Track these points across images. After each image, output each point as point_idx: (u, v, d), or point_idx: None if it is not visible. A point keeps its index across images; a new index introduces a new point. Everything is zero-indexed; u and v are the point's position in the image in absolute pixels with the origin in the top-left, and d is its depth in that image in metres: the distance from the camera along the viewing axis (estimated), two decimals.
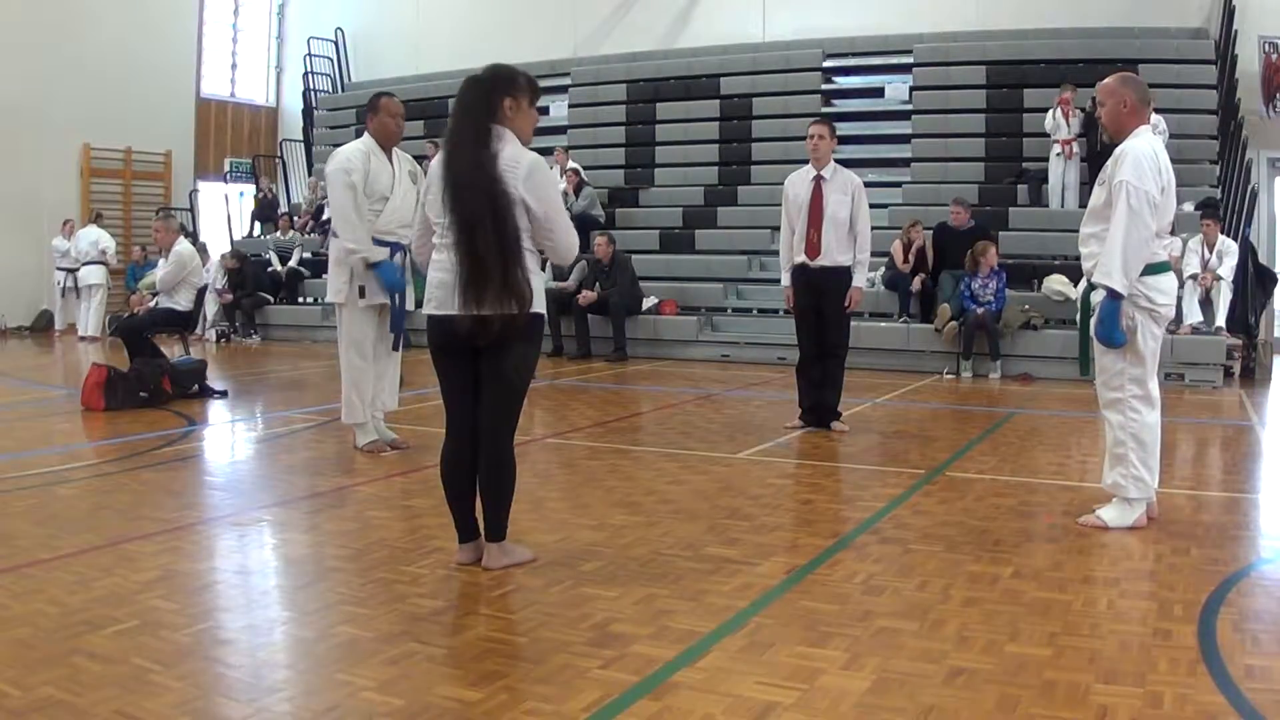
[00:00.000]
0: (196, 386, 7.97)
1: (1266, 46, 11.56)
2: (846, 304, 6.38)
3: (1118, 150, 4.07)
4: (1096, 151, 11.22)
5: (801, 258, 6.36)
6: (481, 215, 3.24)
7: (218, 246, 15.08)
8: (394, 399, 6.03)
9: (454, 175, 3.30)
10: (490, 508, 3.55)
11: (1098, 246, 4.05)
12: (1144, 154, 3.97)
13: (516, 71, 3.51)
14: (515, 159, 3.34)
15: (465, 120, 3.36)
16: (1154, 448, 4.17)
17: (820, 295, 6.37)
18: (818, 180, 6.35)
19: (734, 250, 12.51)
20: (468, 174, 3.27)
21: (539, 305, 3.40)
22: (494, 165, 3.28)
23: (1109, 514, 4.20)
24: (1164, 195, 4.01)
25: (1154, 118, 10.74)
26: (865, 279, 6.58)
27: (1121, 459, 4.15)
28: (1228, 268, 9.60)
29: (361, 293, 5.63)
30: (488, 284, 3.24)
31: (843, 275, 6.36)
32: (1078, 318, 4.45)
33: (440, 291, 3.44)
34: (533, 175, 3.34)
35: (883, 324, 10.46)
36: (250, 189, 17.37)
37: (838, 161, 6.59)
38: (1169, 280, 4.15)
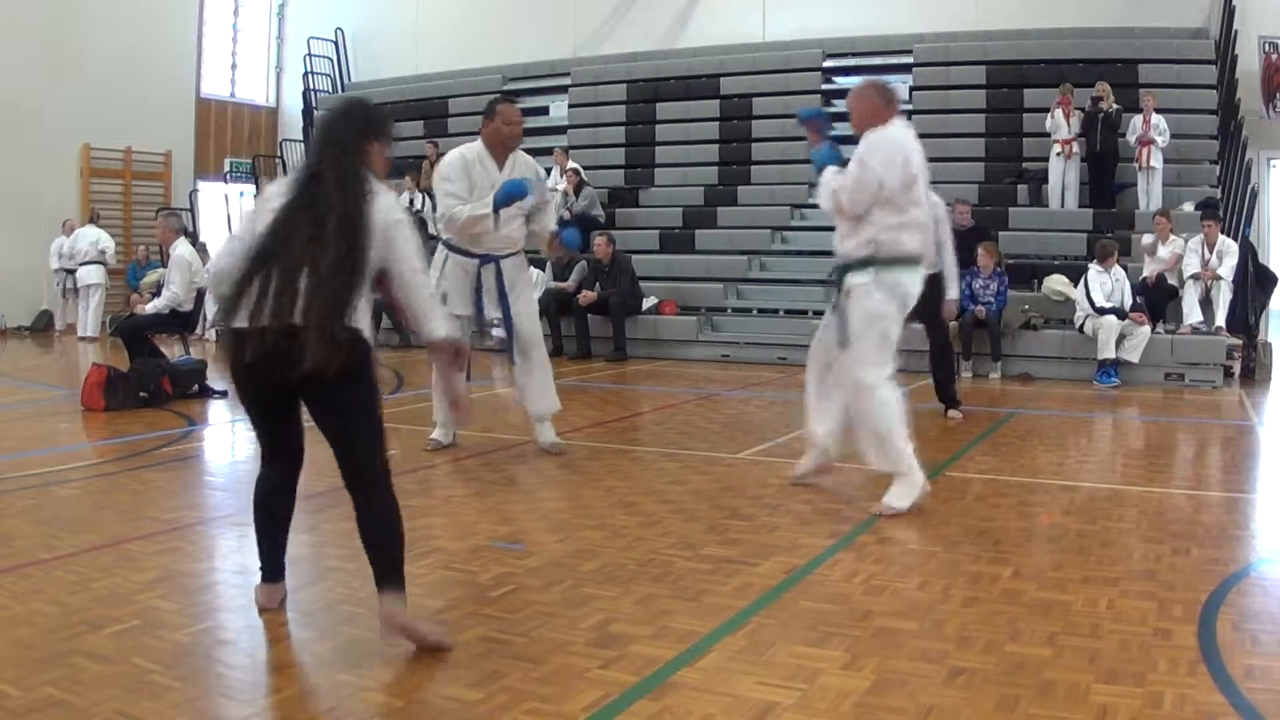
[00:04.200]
0: (196, 386, 7.97)
1: (1266, 46, 11.55)
2: (942, 315, 6.93)
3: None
4: (1096, 152, 11.23)
5: None
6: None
7: (218, 247, 15.06)
8: (545, 403, 5.80)
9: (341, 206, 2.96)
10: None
11: (845, 228, 4.43)
12: (883, 137, 4.35)
13: (383, 115, 3.28)
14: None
15: (333, 152, 3.06)
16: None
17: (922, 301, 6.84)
18: None
19: (734, 250, 12.50)
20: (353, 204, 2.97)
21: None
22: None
23: (895, 498, 4.35)
24: (909, 185, 4.34)
25: (1155, 118, 10.84)
26: (957, 291, 7.04)
27: (886, 439, 4.34)
28: (1228, 268, 9.60)
29: (443, 299, 5.53)
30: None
31: (934, 279, 6.67)
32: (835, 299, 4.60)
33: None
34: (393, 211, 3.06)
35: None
36: (250, 189, 17.35)
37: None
38: (918, 275, 4.48)
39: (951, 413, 7.23)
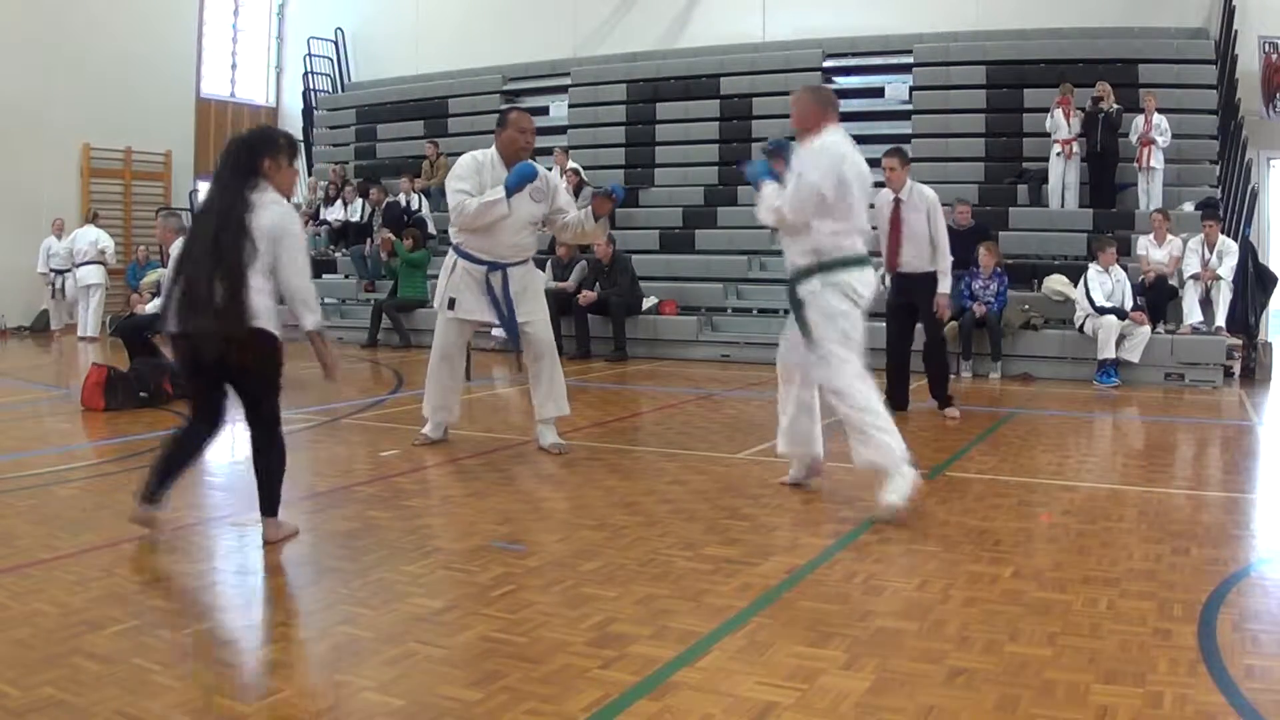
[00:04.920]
0: None
1: (1266, 46, 11.54)
2: (935, 310, 7.00)
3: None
4: (1097, 152, 11.23)
5: (883, 269, 6.99)
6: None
7: None
8: (553, 407, 5.83)
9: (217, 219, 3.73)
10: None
11: (789, 241, 4.54)
12: (818, 148, 4.46)
13: (278, 132, 4.02)
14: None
15: (225, 174, 3.80)
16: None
17: (912, 294, 7.11)
18: (896, 202, 6.99)
19: (734, 250, 12.50)
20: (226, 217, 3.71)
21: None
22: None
23: (891, 494, 4.28)
24: (846, 192, 4.39)
25: (1155, 118, 10.85)
26: (948, 286, 7.08)
27: (866, 433, 4.34)
28: (1228, 268, 9.60)
29: (451, 304, 5.66)
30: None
31: (930, 277, 7.00)
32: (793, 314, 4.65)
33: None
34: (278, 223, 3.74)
35: (883, 323, 10.42)
36: None
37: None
38: (868, 274, 4.55)
39: (948, 411, 7.22)
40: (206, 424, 3.93)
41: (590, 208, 5.74)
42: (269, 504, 3.90)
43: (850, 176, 4.44)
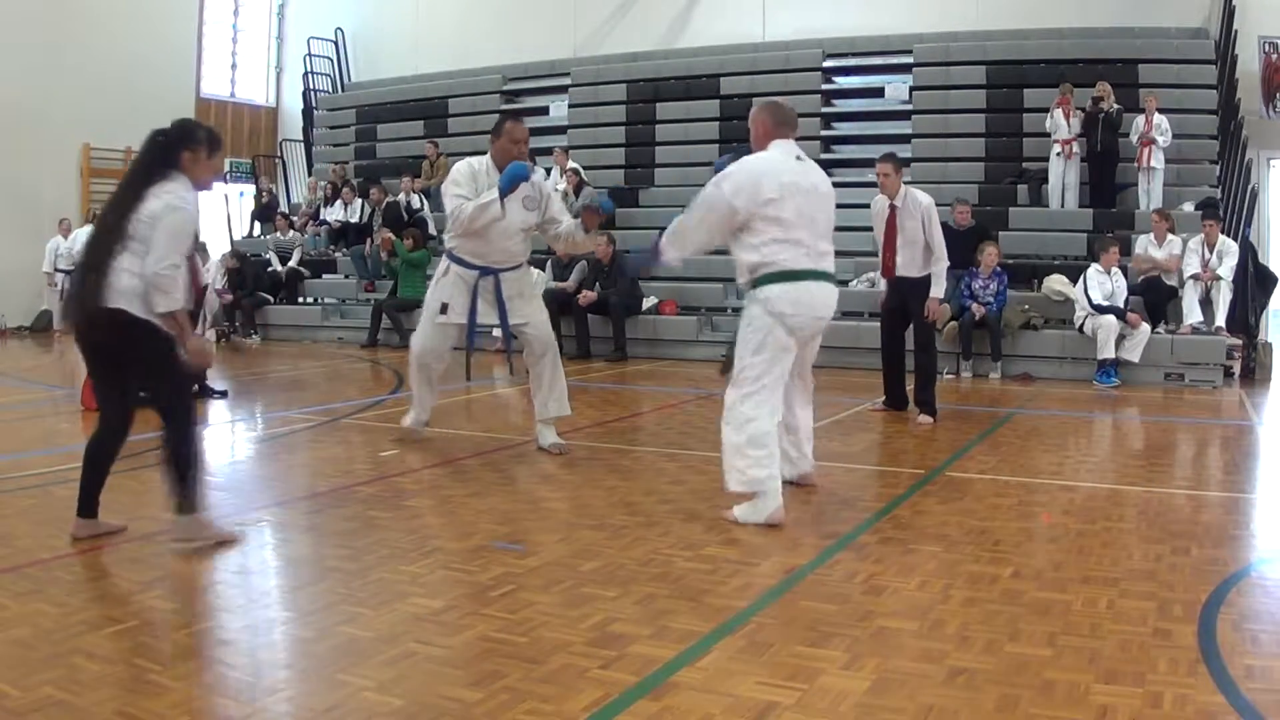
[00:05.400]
0: (196, 386, 7.96)
1: (1266, 46, 11.54)
2: (925, 314, 7.00)
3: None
4: (1097, 152, 11.23)
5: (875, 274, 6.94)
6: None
7: (218, 246, 15.06)
8: (555, 407, 5.84)
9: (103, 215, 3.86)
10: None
11: (736, 251, 4.39)
12: (742, 164, 4.37)
13: (199, 125, 4.05)
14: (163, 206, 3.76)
15: (136, 166, 3.86)
16: (767, 443, 4.24)
17: (905, 298, 7.14)
18: (891, 208, 7.04)
19: None
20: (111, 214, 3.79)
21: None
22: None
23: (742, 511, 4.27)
24: (768, 205, 4.22)
25: (1156, 118, 10.84)
26: (943, 290, 7.07)
27: (736, 454, 4.22)
28: (1228, 268, 9.59)
29: (443, 309, 5.69)
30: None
31: (923, 282, 7.00)
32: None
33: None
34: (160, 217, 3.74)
35: (876, 324, 10.42)
36: (250, 189, 17.36)
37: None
38: (800, 289, 4.28)
39: (921, 417, 6.98)
40: (109, 425, 3.93)
41: (581, 220, 5.78)
42: (177, 500, 3.82)
43: (775, 191, 4.22)
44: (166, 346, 3.77)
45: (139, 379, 3.89)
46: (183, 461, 3.81)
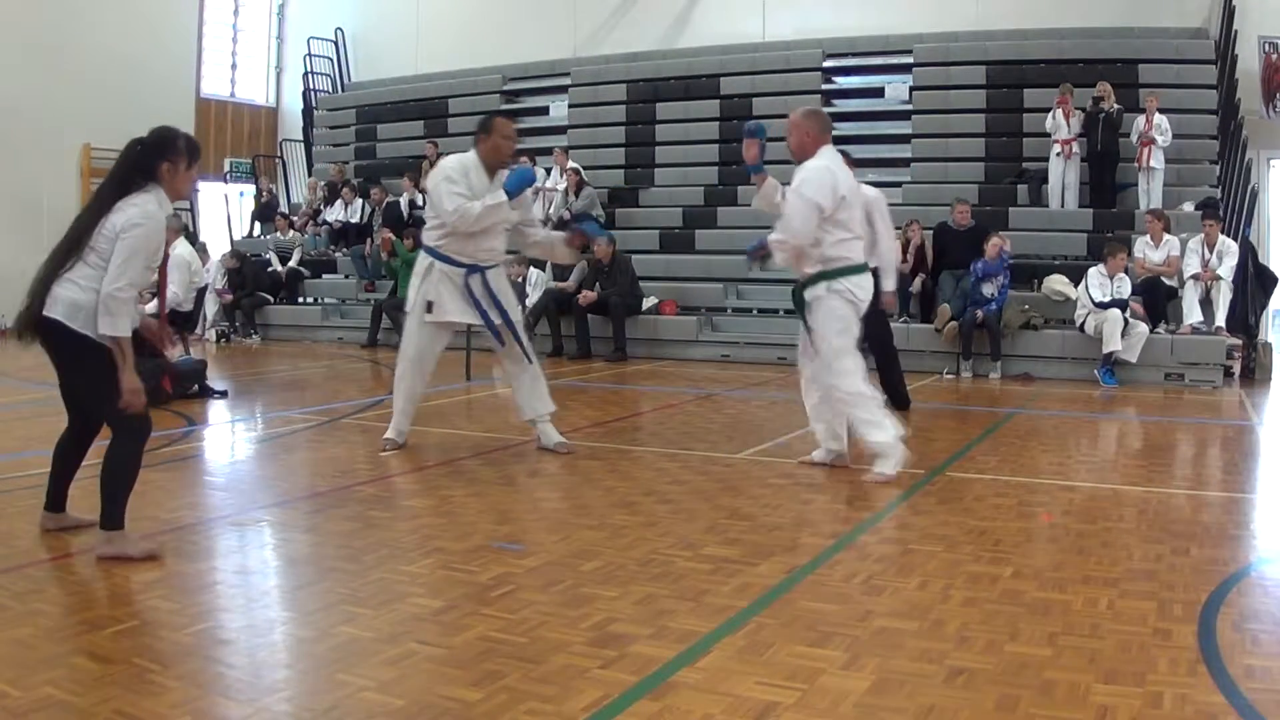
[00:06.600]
0: (196, 386, 7.96)
1: (1266, 46, 11.55)
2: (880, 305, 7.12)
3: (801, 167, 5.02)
4: (1097, 152, 11.23)
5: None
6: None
7: (218, 246, 15.07)
8: (541, 404, 5.84)
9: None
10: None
11: (811, 247, 5.01)
12: (819, 169, 4.95)
13: (179, 135, 3.83)
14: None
15: (112, 175, 3.75)
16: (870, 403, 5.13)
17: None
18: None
19: (734, 250, 12.43)
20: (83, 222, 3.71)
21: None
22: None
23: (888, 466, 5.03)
24: (841, 206, 4.95)
25: (1156, 118, 10.84)
26: (892, 283, 6.97)
27: (864, 415, 5.05)
28: (1228, 268, 9.59)
29: (429, 308, 5.59)
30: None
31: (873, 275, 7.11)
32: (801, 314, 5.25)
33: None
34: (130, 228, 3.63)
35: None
36: (250, 189, 17.36)
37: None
38: (867, 279, 5.15)
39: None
40: (71, 427, 3.99)
41: (566, 236, 5.81)
42: (101, 514, 3.71)
43: (845, 190, 4.96)
44: (105, 365, 3.61)
45: (74, 392, 3.86)
46: (115, 480, 3.71)
